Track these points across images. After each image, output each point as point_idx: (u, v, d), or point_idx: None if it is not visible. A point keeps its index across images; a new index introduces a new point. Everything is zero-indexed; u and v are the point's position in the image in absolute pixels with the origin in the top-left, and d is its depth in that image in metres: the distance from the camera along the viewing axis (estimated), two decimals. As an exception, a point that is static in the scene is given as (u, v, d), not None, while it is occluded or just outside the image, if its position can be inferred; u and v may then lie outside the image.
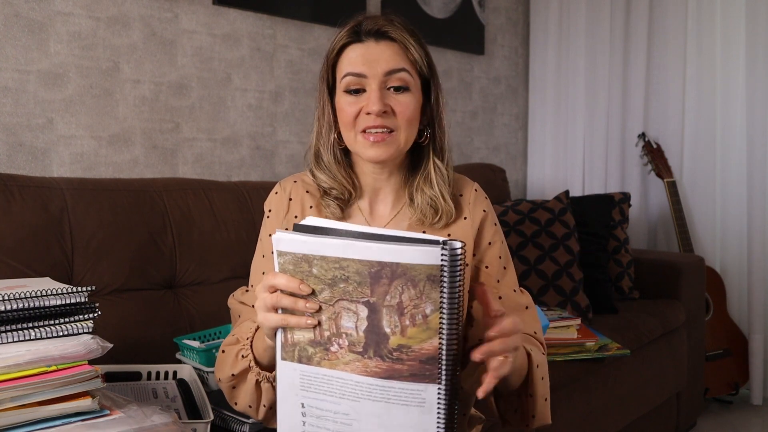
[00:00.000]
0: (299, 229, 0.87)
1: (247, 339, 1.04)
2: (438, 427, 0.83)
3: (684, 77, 2.99)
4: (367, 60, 1.04)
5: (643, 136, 3.06)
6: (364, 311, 0.82)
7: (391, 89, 1.05)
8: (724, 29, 2.87)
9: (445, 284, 0.79)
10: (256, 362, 1.02)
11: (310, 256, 0.83)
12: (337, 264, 0.82)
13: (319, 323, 0.85)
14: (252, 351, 1.03)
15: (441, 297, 0.79)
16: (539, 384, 1.05)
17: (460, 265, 0.79)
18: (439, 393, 0.82)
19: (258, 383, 1.04)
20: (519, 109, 3.37)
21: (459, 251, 0.79)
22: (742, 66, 2.83)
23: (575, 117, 3.18)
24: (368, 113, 1.04)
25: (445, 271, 0.78)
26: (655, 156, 2.98)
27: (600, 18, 3.12)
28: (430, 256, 0.78)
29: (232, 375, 1.05)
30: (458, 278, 0.79)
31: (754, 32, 2.82)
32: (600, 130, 3.16)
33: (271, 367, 1.02)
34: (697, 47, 2.94)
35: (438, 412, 0.83)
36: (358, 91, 1.06)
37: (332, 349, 0.85)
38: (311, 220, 0.88)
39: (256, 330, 1.04)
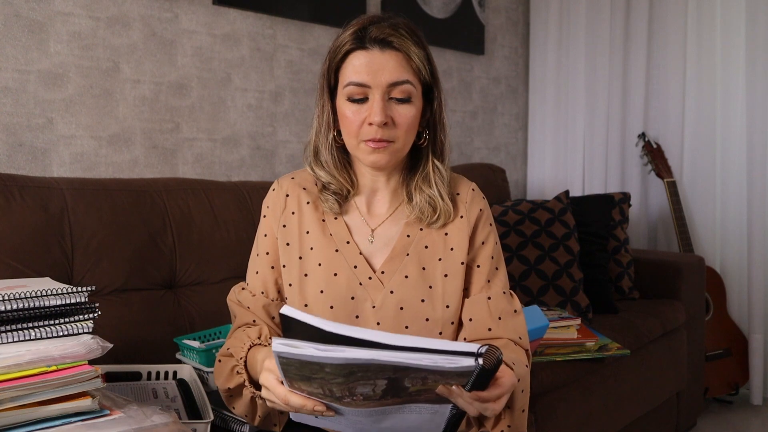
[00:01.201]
0: (291, 326, 0.80)
1: (241, 358, 1.05)
2: (447, 421, 0.85)
3: (684, 77, 2.99)
4: (372, 70, 1.05)
5: (643, 136, 3.06)
6: (383, 382, 0.80)
7: (393, 99, 1.06)
8: (724, 29, 2.87)
9: (474, 381, 0.77)
10: (250, 380, 1.04)
11: (324, 364, 0.77)
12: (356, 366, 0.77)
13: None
14: (247, 370, 1.04)
15: (468, 383, 0.78)
16: (518, 397, 1.04)
17: (495, 371, 0.78)
18: (452, 409, 0.84)
19: (253, 398, 1.06)
20: (519, 109, 3.37)
21: (497, 364, 0.76)
22: (742, 66, 2.83)
23: (575, 117, 3.18)
24: (370, 124, 1.05)
25: (478, 374, 0.76)
26: (655, 156, 2.98)
27: (600, 18, 3.12)
28: (463, 368, 0.75)
29: (228, 388, 1.08)
30: (489, 379, 0.78)
31: (754, 32, 2.81)
32: (600, 130, 3.16)
33: None
34: (697, 47, 2.94)
35: (447, 418, 0.85)
36: (361, 100, 1.06)
37: (345, 400, 0.84)
38: (291, 312, 0.80)
39: (249, 348, 1.06)
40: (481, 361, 0.74)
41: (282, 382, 0.87)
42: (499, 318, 1.13)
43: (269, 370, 0.91)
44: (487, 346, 0.75)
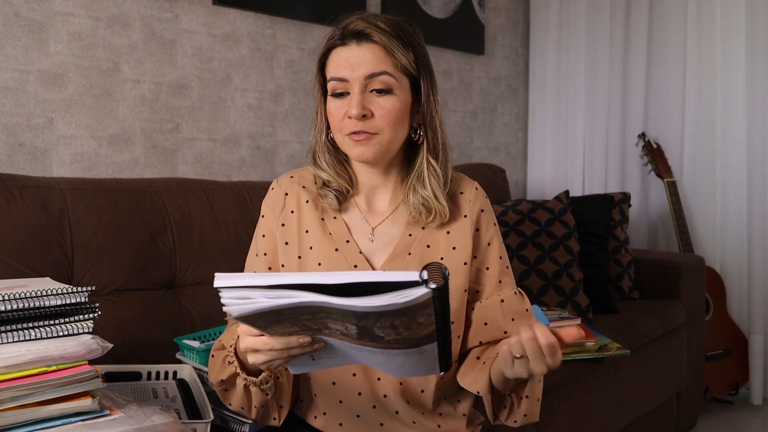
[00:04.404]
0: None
1: (231, 346, 1.05)
2: (439, 360, 0.84)
3: (684, 77, 2.99)
4: (349, 64, 1.04)
5: (643, 136, 3.06)
6: (353, 327, 0.80)
7: (374, 92, 1.05)
8: (724, 29, 2.87)
9: (436, 305, 0.75)
10: (242, 367, 1.04)
11: (282, 309, 0.77)
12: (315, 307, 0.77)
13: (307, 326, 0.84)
14: (237, 357, 1.04)
15: (433, 311, 0.76)
16: (536, 387, 1.07)
17: (448, 285, 0.75)
18: (438, 345, 0.82)
19: (246, 387, 1.05)
20: (519, 109, 3.37)
21: (447, 278, 0.74)
22: (742, 66, 2.83)
23: (575, 117, 3.18)
24: (349, 117, 1.05)
25: (436, 297, 0.74)
26: (655, 156, 2.98)
27: (600, 18, 3.12)
28: (419, 298, 0.73)
29: (221, 380, 1.07)
30: (448, 296, 0.76)
31: (754, 32, 2.81)
32: (600, 130, 3.16)
33: (257, 372, 1.03)
34: (697, 47, 2.94)
35: (438, 353, 0.83)
36: (343, 94, 1.06)
37: (325, 332, 0.84)
38: (225, 282, 0.77)
39: (239, 336, 1.05)
40: (433, 285, 0.72)
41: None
42: (513, 319, 1.14)
43: (243, 332, 0.91)
44: (425, 270, 0.73)
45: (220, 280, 0.76)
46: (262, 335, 0.88)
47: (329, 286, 0.74)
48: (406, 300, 0.72)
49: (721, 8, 2.86)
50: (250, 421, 1.25)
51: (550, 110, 3.26)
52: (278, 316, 0.79)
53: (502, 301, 1.14)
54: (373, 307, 0.72)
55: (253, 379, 1.03)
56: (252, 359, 0.92)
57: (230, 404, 1.10)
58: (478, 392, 1.10)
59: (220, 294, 0.76)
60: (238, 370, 1.03)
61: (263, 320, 0.81)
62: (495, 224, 1.18)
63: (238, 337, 1.05)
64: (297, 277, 0.75)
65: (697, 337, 2.59)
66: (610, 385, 1.99)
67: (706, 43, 2.92)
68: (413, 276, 0.72)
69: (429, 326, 0.78)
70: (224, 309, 0.77)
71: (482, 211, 1.16)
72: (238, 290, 0.76)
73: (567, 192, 2.47)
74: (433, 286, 0.72)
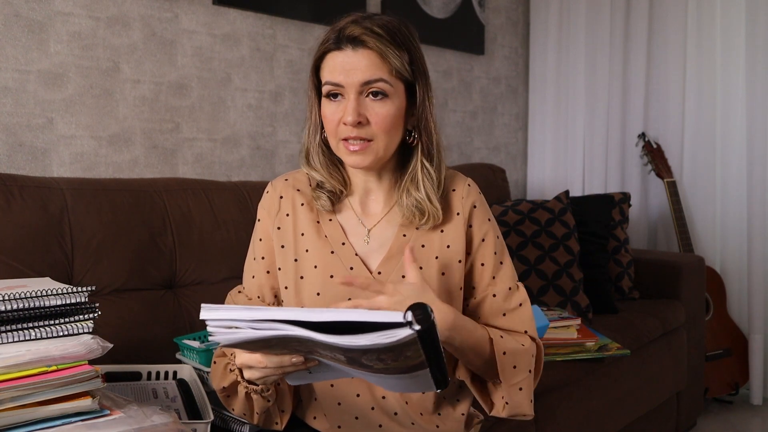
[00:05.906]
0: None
1: (232, 354, 1.06)
2: (434, 382, 0.83)
3: (684, 77, 2.99)
4: (345, 69, 1.04)
5: (643, 136, 3.06)
6: (341, 357, 0.80)
7: (369, 97, 1.05)
8: (724, 29, 2.87)
9: (424, 343, 0.74)
10: (243, 376, 1.04)
11: (267, 338, 0.78)
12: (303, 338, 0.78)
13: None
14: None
15: (421, 347, 0.76)
16: (508, 371, 1.06)
17: (434, 325, 0.74)
18: (431, 371, 0.82)
19: (248, 394, 1.06)
20: (519, 109, 3.37)
21: (431, 319, 0.73)
22: (742, 66, 2.83)
23: (575, 117, 3.18)
24: (344, 123, 1.04)
25: (421, 338, 0.73)
26: (655, 156, 2.98)
27: (600, 18, 3.12)
28: (403, 339, 0.72)
29: (223, 387, 1.08)
30: (435, 333, 0.75)
31: (754, 32, 2.82)
32: (600, 130, 3.16)
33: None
34: (697, 47, 2.94)
35: (432, 376, 0.82)
36: (338, 99, 1.06)
37: (315, 355, 0.85)
38: (211, 314, 0.79)
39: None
40: (417, 327, 0.71)
41: None
42: (504, 314, 1.13)
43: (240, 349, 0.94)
44: (409, 310, 0.73)
45: (207, 312, 0.78)
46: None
47: (313, 324, 0.74)
48: (390, 341, 0.72)
49: (721, 8, 2.86)
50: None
51: (550, 110, 3.26)
52: (267, 343, 0.80)
53: (494, 296, 1.13)
54: (356, 345, 0.73)
55: (254, 387, 1.03)
56: (247, 375, 0.95)
57: (233, 410, 1.11)
58: (459, 378, 1.12)
59: (207, 323, 0.79)
60: (239, 378, 1.04)
61: (252, 346, 0.83)
62: (490, 219, 1.17)
63: None
64: (282, 312, 0.77)
65: (697, 337, 2.59)
66: (610, 385, 1.99)
67: (706, 43, 2.92)
68: (397, 317, 0.72)
69: (418, 358, 0.77)
70: (210, 338, 0.80)
71: (474, 207, 1.15)
72: (225, 321, 0.78)
73: (567, 192, 2.47)
74: (417, 327, 0.72)
